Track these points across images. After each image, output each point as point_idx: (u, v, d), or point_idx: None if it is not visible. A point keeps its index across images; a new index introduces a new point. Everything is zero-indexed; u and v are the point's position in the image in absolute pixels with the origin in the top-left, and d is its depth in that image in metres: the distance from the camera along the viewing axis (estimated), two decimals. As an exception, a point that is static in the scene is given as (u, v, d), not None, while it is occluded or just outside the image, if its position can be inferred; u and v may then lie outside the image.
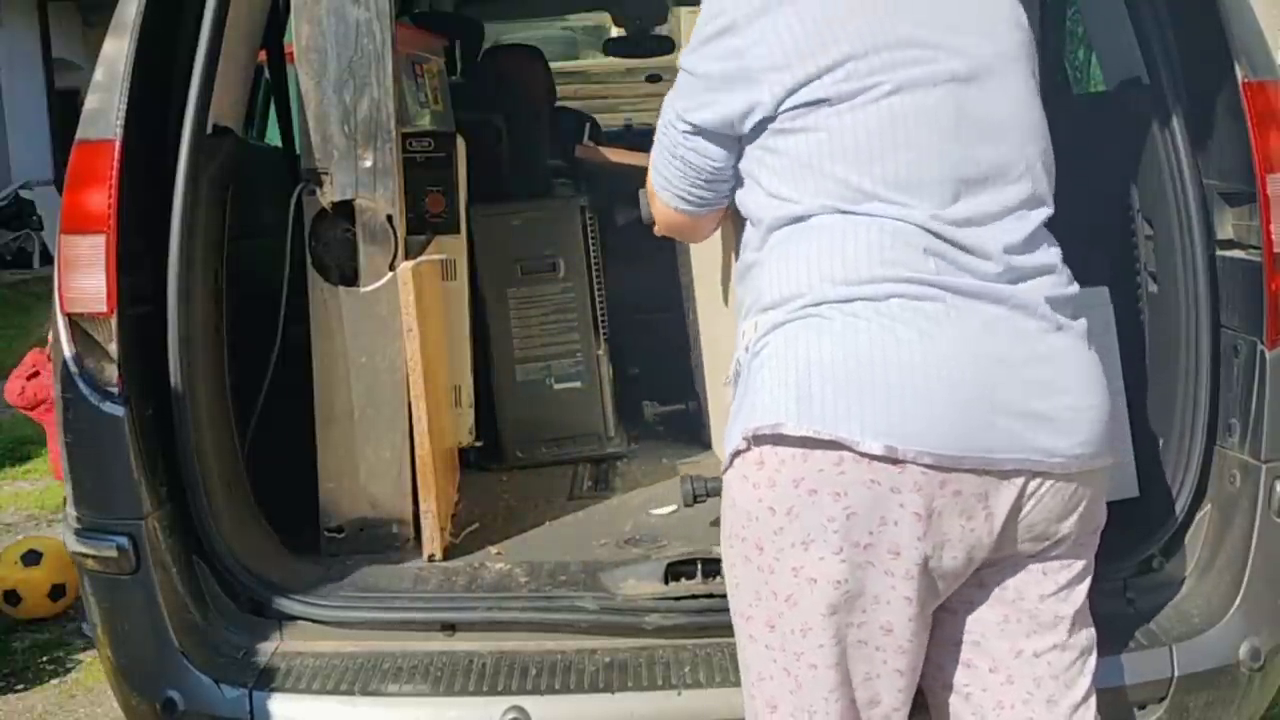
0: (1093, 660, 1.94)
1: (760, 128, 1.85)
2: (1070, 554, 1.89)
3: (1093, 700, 1.94)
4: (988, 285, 1.78)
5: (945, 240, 1.78)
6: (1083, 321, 1.87)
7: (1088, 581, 1.93)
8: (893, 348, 1.72)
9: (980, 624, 1.91)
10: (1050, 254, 1.88)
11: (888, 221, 1.77)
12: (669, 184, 2.03)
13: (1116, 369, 2.63)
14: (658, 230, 2.22)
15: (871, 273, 1.75)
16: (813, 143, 1.80)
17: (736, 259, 2.01)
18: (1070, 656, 1.91)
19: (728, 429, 1.87)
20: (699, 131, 1.92)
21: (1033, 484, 1.79)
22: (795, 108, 1.80)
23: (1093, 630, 1.95)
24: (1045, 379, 1.77)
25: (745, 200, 1.93)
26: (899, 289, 1.74)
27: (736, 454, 1.82)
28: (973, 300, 1.76)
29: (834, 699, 1.84)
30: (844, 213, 1.79)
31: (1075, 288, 1.89)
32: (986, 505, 1.77)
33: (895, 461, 1.71)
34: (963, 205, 1.79)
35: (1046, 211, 1.89)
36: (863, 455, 1.71)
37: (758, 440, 1.78)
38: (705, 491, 3.15)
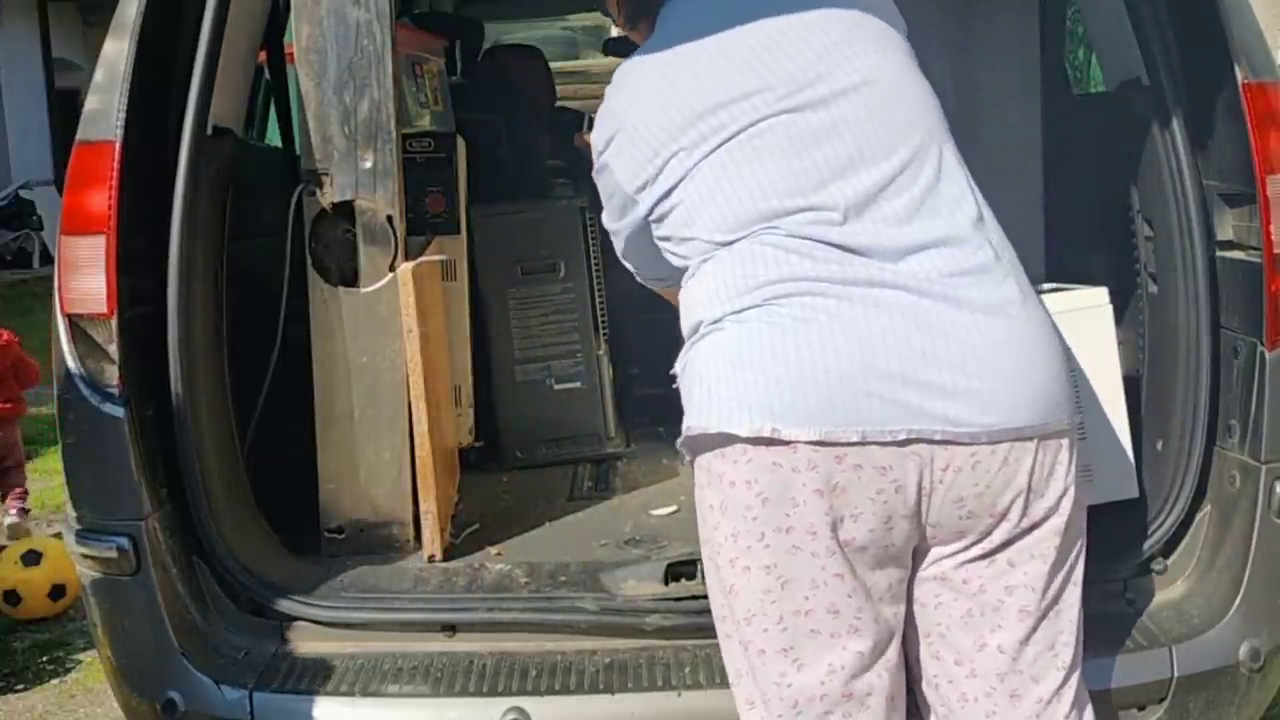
0: (1067, 655, 1.93)
1: (649, 220, 2.07)
2: (1034, 542, 1.89)
3: (1067, 695, 1.93)
4: (871, 272, 1.84)
5: (818, 241, 1.86)
6: (1007, 288, 1.87)
7: (1062, 580, 1.92)
8: (769, 338, 1.83)
9: (946, 616, 1.93)
10: (949, 223, 1.88)
11: (758, 238, 1.89)
12: (634, 270, 2.29)
13: (1116, 369, 2.64)
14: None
15: (749, 283, 1.87)
16: (677, 217, 1.99)
17: None
18: (1036, 650, 1.91)
19: None
20: (622, 234, 2.18)
21: (943, 454, 1.81)
22: (657, 201, 2.01)
23: (1069, 625, 1.94)
24: (940, 352, 1.80)
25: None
26: (776, 290, 1.85)
27: (692, 465, 1.96)
28: (856, 287, 1.83)
29: (785, 684, 1.87)
30: (721, 250, 1.93)
31: (986, 254, 1.87)
32: (892, 477, 1.81)
33: (786, 443, 1.79)
34: (829, 203, 1.87)
35: (931, 172, 1.91)
36: (756, 441, 1.81)
37: (689, 449, 1.94)
38: None
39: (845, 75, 1.93)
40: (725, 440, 1.84)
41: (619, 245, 2.24)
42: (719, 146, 1.93)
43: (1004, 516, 1.86)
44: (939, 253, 1.85)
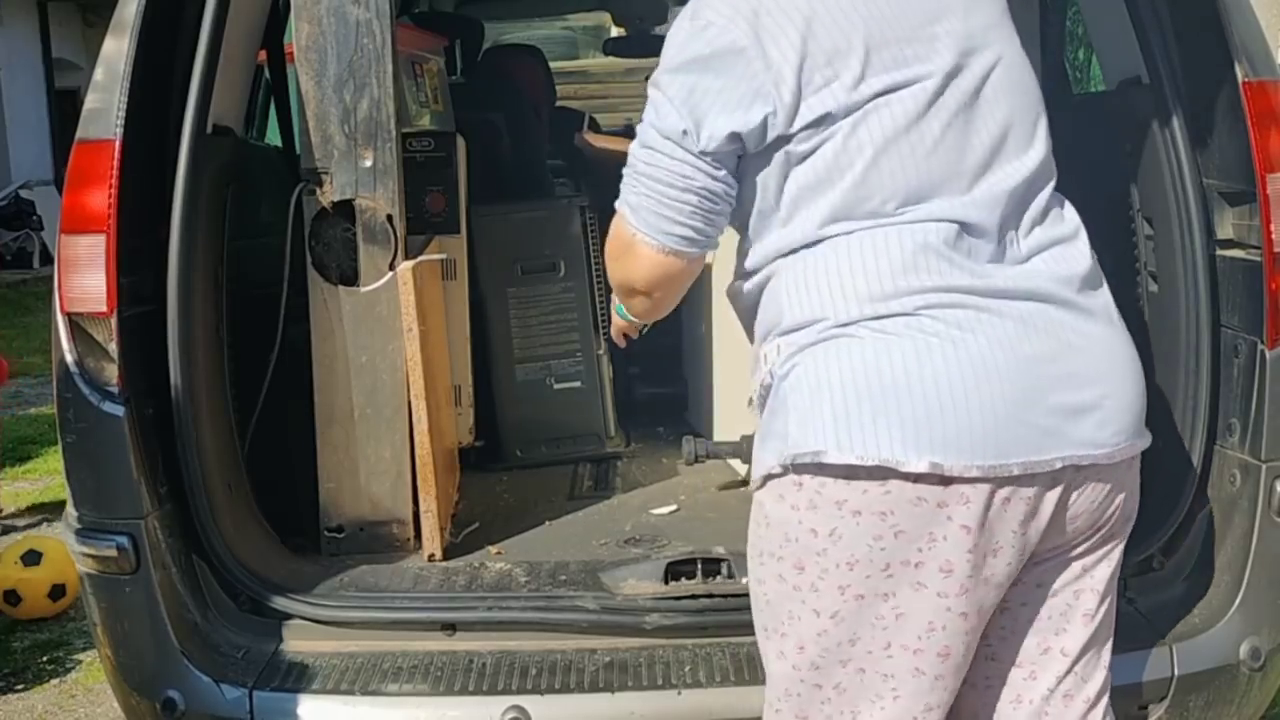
0: (1107, 654, 1.93)
1: (771, 146, 1.76)
2: (1108, 549, 1.87)
3: (1107, 695, 1.93)
4: (1008, 278, 1.73)
5: (968, 236, 1.73)
6: (1105, 294, 1.83)
7: (1117, 583, 1.92)
8: (928, 361, 1.68)
9: (1013, 620, 1.88)
10: (1066, 220, 1.83)
11: (906, 228, 1.72)
12: (658, 223, 1.83)
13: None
14: (632, 303, 2.02)
15: (897, 286, 1.70)
16: (823, 158, 1.73)
17: (736, 277, 1.92)
18: (1090, 653, 1.90)
19: (756, 449, 1.83)
20: (700, 154, 1.78)
21: (1077, 478, 1.75)
22: (804, 127, 1.72)
23: (1110, 624, 1.93)
24: (1079, 370, 1.73)
25: (748, 219, 1.84)
26: (928, 299, 1.70)
27: (770, 476, 1.78)
28: (1002, 300, 1.72)
29: (877, 705, 1.80)
30: (861, 226, 1.73)
31: (1092, 256, 1.83)
32: (1035, 506, 1.73)
33: (940, 478, 1.67)
34: (978, 194, 1.75)
35: (1053, 171, 1.83)
36: (908, 475, 1.67)
37: (797, 469, 1.73)
38: (706, 453, 3.24)
39: (994, 53, 1.79)
40: (864, 468, 1.68)
41: (658, 170, 1.80)
42: (901, 88, 1.72)
43: (1099, 528, 1.83)
44: (1055, 254, 1.79)
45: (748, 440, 3.22)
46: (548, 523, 3.06)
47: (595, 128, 5.29)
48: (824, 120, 1.72)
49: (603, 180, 4.12)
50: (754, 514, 1.85)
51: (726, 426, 3.43)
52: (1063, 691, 1.89)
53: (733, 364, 3.41)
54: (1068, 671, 1.89)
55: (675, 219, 1.82)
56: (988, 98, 1.77)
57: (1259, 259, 2.41)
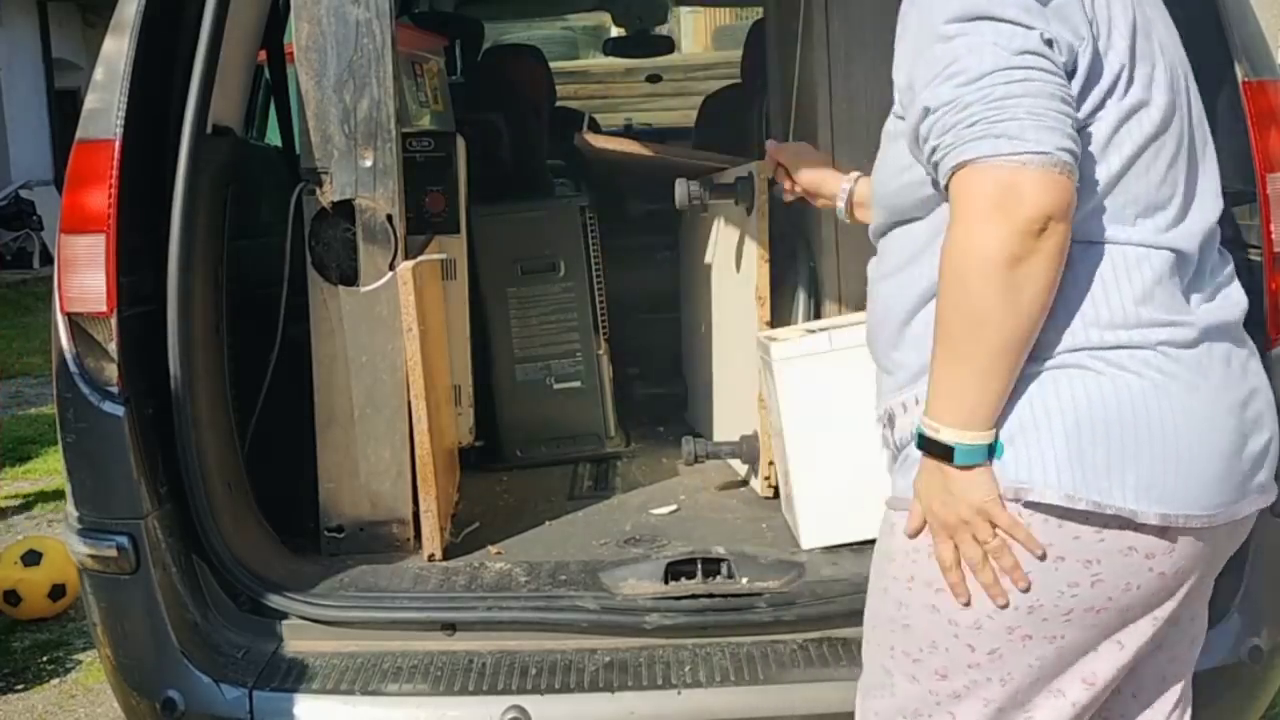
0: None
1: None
2: (1211, 575, 1.83)
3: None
4: (1214, 315, 1.68)
5: (1188, 267, 1.66)
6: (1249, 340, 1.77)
7: None
8: (1167, 408, 1.59)
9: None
10: (1228, 264, 1.78)
11: (1142, 252, 1.62)
12: (1051, 137, 1.52)
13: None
14: (1032, 263, 1.52)
15: (1132, 316, 1.60)
16: (1096, 150, 1.63)
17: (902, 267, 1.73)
18: (1189, 673, 1.88)
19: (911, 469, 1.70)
20: (1062, 66, 1.58)
21: (1245, 524, 1.73)
22: (1078, 101, 1.60)
23: None
24: (1262, 414, 1.70)
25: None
26: (1161, 335, 1.60)
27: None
28: (1216, 342, 1.66)
29: None
30: (1094, 236, 1.62)
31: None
32: (1214, 552, 1.70)
33: (1163, 529, 1.59)
34: (1189, 225, 1.68)
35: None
36: (1125, 525, 1.58)
37: (1028, 507, 1.61)
38: (706, 453, 3.24)
39: (1195, 95, 1.76)
40: (1079, 514, 1.58)
41: (1031, 84, 1.54)
42: (1150, 85, 1.65)
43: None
44: (1227, 293, 1.74)
45: (748, 440, 3.21)
46: (548, 523, 3.06)
47: (595, 128, 5.30)
48: (1090, 97, 1.61)
49: (603, 180, 4.14)
50: (906, 537, 1.70)
51: (726, 426, 3.43)
52: (1177, 717, 1.87)
53: (733, 364, 3.41)
54: (1180, 697, 1.86)
55: (1064, 131, 1.54)
56: (1195, 136, 1.73)
57: (1259, 259, 2.40)
